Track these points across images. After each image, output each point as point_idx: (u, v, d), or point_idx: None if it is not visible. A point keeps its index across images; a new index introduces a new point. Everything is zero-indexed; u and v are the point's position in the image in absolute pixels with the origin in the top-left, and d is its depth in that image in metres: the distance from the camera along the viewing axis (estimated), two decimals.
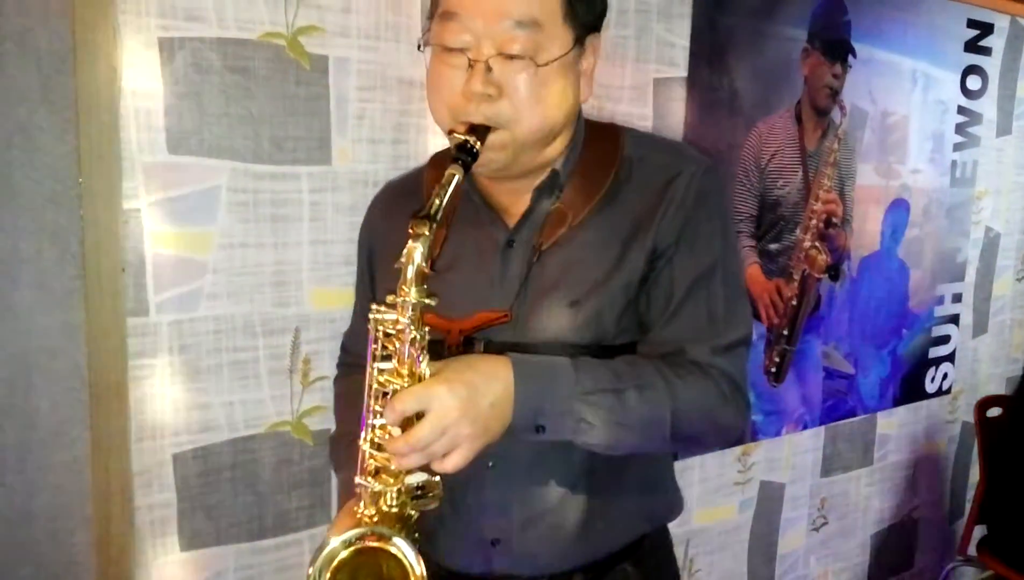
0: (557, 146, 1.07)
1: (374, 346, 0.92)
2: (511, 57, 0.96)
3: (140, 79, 1.30)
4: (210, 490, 1.44)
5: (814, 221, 2.19)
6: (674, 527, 1.21)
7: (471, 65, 0.97)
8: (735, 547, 2.24)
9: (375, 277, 1.22)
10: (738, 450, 2.17)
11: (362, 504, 0.95)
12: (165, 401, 1.39)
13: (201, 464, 1.43)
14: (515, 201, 1.09)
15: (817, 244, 2.21)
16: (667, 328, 1.06)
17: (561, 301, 1.05)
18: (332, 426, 1.34)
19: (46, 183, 1.24)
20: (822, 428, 2.35)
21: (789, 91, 2.08)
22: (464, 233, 1.09)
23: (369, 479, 0.93)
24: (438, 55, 1.01)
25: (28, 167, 1.23)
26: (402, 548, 0.91)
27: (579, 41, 1.02)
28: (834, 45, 2.14)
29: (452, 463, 0.89)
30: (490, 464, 1.04)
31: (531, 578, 1.09)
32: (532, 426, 0.95)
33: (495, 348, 1.04)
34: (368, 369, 0.93)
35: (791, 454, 2.30)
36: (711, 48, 1.91)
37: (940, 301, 2.61)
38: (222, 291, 1.41)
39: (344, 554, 0.91)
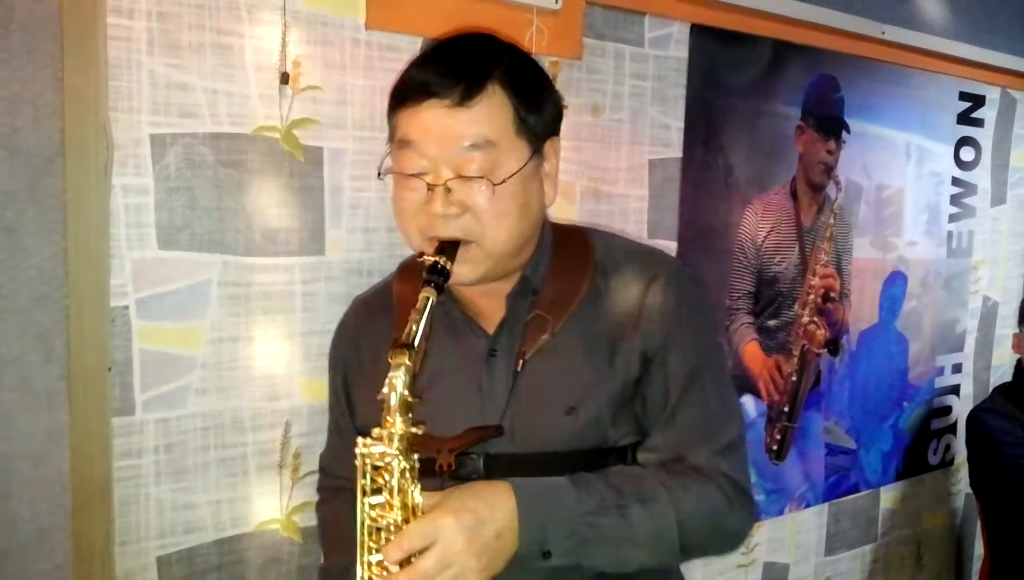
0: (526, 251, 1.07)
1: (363, 481, 0.89)
2: (469, 178, 0.97)
3: (130, 176, 1.28)
4: None
5: (812, 296, 2.17)
6: None
7: (431, 189, 0.97)
8: None
9: (351, 397, 1.20)
10: None
11: None
12: (150, 502, 1.34)
13: (186, 567, 1.37)
14: (490, 304, 1.09)
15: (816, 319, 2.19)
16: (665, 433, 1.05)
17: (557, 409, 1.03)
18: None
19: (31, 284, 1.21)
20: (825, 505, 2.30)
21: (784, 168, 2.07)
22: (444, 346, 1.07)
23: None
24: (399, 181, 1.02)
25: (13, 269, 1.20)
26: None
27: (537, 150, 1.02)
28: (827, 122, 2.15)
29: None
30: None
31: None
32: (539, 553, 0.93)
33: (493, 461, 1.01)
34: (358, 504, 0.90)
35: (794, 533, 2.25)
36: (705, 128, 1.91)
37: (940, 372, 2.58)
38: (211, 386, 1.37)
39: None
